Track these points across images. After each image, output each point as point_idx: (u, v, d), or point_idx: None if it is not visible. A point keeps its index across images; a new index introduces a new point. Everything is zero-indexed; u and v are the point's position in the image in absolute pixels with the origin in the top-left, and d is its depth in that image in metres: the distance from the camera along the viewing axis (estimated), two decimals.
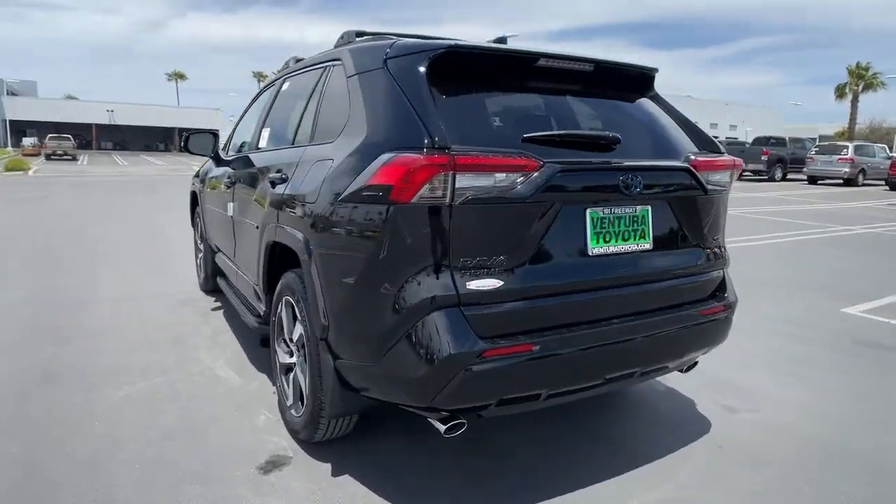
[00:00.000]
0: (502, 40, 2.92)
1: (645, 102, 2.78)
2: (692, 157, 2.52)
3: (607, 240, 2.27)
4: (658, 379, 3.48)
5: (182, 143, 3.61)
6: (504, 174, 2.01)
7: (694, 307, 2.55)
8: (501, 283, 2.05)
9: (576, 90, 2.61)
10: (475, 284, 2.01)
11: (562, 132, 2.28)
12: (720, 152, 2.70)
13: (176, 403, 3.12)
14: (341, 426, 2.56)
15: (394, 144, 2.05)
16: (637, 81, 2.79)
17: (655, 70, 2.78)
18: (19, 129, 52.43)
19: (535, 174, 2.05)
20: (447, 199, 1.94)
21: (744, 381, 3.58)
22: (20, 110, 56.30)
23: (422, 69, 2.19)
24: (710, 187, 2.55)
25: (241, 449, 2.67)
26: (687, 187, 2.49)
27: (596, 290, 2.26)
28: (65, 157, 38.07)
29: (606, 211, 2.27)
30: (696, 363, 2.83)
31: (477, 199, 1.98)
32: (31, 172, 23.32)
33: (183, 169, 30.00)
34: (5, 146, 47.28)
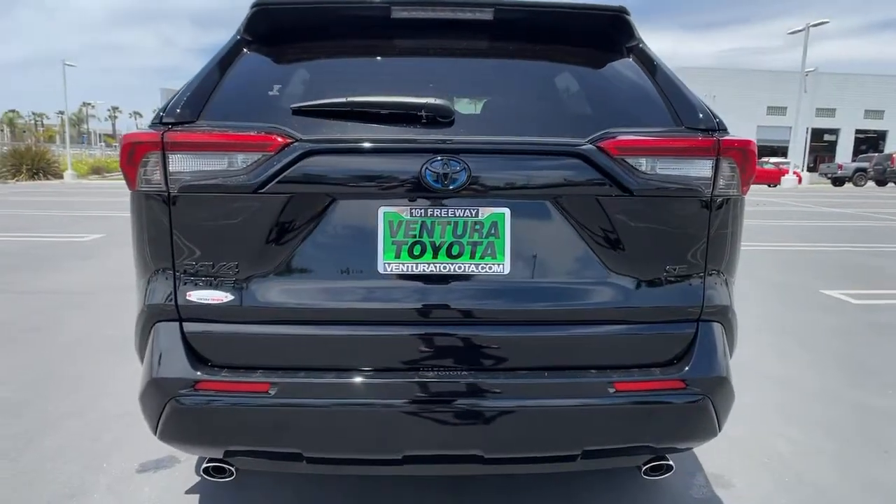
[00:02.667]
0: None
1: (603, 61, 1.88)
2: (613, 135, 1.59)
3: (416, 254, 1.58)
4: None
5: None
6: (236, 155, 1.55)
7: (605, 375, 1.61)
8: (232, 297, 1.59)
9: (479, 49, 1.92)
10: (197, 296, 1.60)
11: (337, 100, 1.61)
12: (712, 130, 1.66)
13: None
14: None
15: None
16: (590, 30, 1.91)
17: (617, 11, 1.83)
18: None
19: (276, 156, 1.53)
20: (163, 186, 1.58)
21: None
22: None
23: (238, 36, 1.86)
24: (645, 183, 1.59)
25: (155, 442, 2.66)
26: (589, 183, 1.58)
27: (388, 323, 1.60)
28: None
29: (417, 212, 1.58)
30: (666, 466, 1.78)
31: (197, 186, 1.56)
32: None
33: None
34: None
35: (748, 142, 1.67)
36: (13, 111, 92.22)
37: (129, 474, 2.39)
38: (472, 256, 1.58)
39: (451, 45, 1.91)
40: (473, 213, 1.58)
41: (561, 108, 1.88)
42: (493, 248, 1.59)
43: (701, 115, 1.68)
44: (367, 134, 1.60)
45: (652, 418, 1.64)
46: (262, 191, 1.54)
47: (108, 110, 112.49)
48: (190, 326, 1.61)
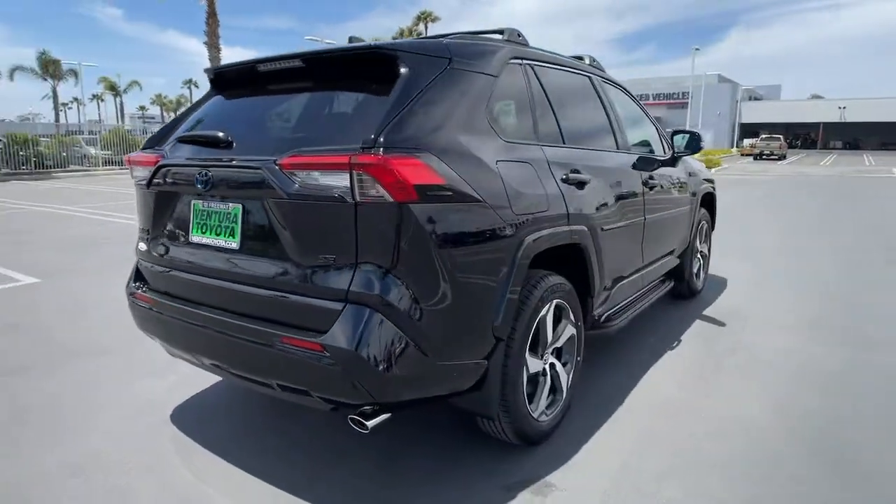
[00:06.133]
0: (353, 39, 2.93)
1: (366, 90, 2.35)
2: (291, 154, 2.11)
3: (204, 231, 2.46)
4: None
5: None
6: (143, 168, 2.72)
7: (280, 329, 2.19)
8: (145, 247, 2.78)
9: (305, 87, 2.59)
10: (140, 245, 2.85)
11: (184, 134, 2.59)
12: (368, 147, 1.99)
13: None
14: None
15: None
16: (366, 66, 2.37)
17: (372, 49, 2.27)
18: (751, 130, 57.46)
19: (148, 169, 2.64)
20: (133, 183, 2.88)
21: None
22: (755, 114, 61.11)
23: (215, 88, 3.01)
24: (304, 191, 2.07)
25: None
26: (267, 187, 2.16)
27: (192, 273, 2.52)
28: (772, 156, 39.60)
29: (205, 205, 2.45)
30: (361, 424, 2.19)
31: (139, 183, 2.79)
32: (713, 170, 26.33)
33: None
34: (731, 147, 53.43)
35: (382, 158, 1.94)
36: None
37: None
38: (224, 235, 2.38)
39: (283, 87, 2.65)
40: (226, 206, 2.37)
41: (308, 130, 2.38)
42: (233, 231, 2.34)
43: (372, 135, 2.01)
44: (188, 154, 2.56)
45: (304, 370, 2.12)
46: (149, 188, 2.67)
47: None
48: (140, 263, 2.89)
